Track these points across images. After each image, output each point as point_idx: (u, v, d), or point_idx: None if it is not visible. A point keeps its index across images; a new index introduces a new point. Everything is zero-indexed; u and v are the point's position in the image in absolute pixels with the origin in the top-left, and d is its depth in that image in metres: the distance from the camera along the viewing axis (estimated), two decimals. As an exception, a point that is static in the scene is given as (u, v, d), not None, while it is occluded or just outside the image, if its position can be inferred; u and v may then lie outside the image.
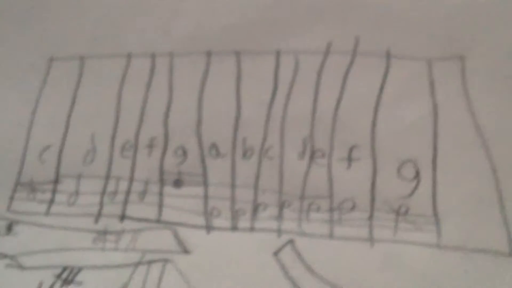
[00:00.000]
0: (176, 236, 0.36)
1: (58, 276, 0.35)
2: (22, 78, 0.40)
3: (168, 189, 0.37)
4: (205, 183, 0.37)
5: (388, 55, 0.37)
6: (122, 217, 0.37)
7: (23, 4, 0.42)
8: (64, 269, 0.35)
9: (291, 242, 0.34)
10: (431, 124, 0.35)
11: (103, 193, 0.37)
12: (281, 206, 0.35)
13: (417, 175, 0.34)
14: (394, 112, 0.36)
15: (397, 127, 0.36)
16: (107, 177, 0.38)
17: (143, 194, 0.37)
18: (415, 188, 0.34)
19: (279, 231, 0.35)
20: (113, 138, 0.38)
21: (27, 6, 0.42)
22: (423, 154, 0.35)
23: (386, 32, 0.38)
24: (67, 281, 0.35)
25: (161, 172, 0.37)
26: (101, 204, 0.37)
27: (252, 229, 0.35)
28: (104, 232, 0.36)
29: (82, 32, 0.41)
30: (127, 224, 0.36)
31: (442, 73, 0.36)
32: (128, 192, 0.37)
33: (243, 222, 0.35)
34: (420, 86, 0.36)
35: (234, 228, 0.35)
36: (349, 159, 0.36)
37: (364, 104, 0.36)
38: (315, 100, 0.37)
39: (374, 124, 0.36)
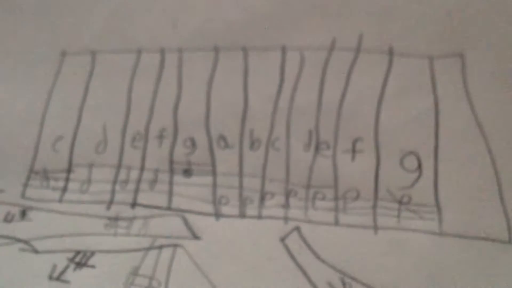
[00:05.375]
0: (186, 222, 0.37)
1: (72, 259, 0.36)
2: (35, 70, 0.41)
3: (178, 178, 0.38)
4: (214, 173, 0.38)
5: (391, 52, 0.38)
6: (134, 205, 0.38)
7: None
8: (77, 253, 0.36)
9: (297, 228, 0.35)
10: (432, 118, 0.36)
11: (114, 181, 0.38)
12: (288, 195, 0.36)
13: (419, 166, 0.36)
14: (397, 106, 0.37)
15: (399, 120, 0.37)
16: (119, 166, 0.39)
17: (153, 182, 0.38)
18: (417, 178, 0.35)
19: (285, 219, 0.36)
20: (124, 129, 0.39)
21: (39, 1, 0.43)
22: (425, 146, 0.36)
23: (389, 29, 0.39)
24: (80, 264, 0.36)
25: (171, 161, 0.38)
26: (112, 192, 0.38)
27: (259, 216, 0.36)
28: (116, 218, 0.37)
29: (93, 27, 0.42)
30: (138, 211, 0.38)
31: (443, 69, 0.37)
32: (139, 181, 0.38)
33: (251, 210, 0.37)
34: (421, 82, 0.37)
35: (242, 215, 0.37)
36: (353, 151, 0.37)
37: (367, 99, 0.37)
38: (320, 94, 0.38)
39: (377, 117, 0.37)
